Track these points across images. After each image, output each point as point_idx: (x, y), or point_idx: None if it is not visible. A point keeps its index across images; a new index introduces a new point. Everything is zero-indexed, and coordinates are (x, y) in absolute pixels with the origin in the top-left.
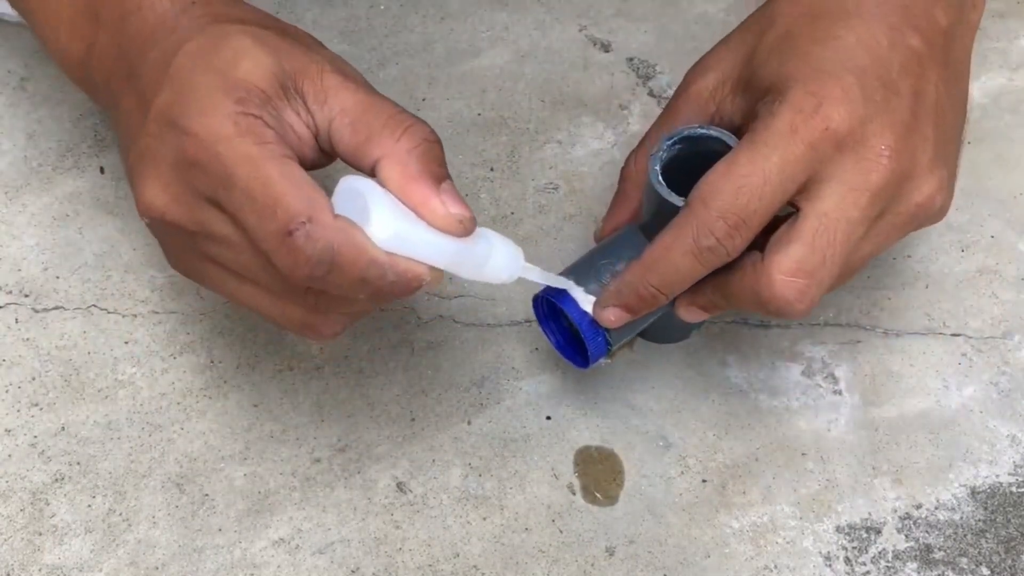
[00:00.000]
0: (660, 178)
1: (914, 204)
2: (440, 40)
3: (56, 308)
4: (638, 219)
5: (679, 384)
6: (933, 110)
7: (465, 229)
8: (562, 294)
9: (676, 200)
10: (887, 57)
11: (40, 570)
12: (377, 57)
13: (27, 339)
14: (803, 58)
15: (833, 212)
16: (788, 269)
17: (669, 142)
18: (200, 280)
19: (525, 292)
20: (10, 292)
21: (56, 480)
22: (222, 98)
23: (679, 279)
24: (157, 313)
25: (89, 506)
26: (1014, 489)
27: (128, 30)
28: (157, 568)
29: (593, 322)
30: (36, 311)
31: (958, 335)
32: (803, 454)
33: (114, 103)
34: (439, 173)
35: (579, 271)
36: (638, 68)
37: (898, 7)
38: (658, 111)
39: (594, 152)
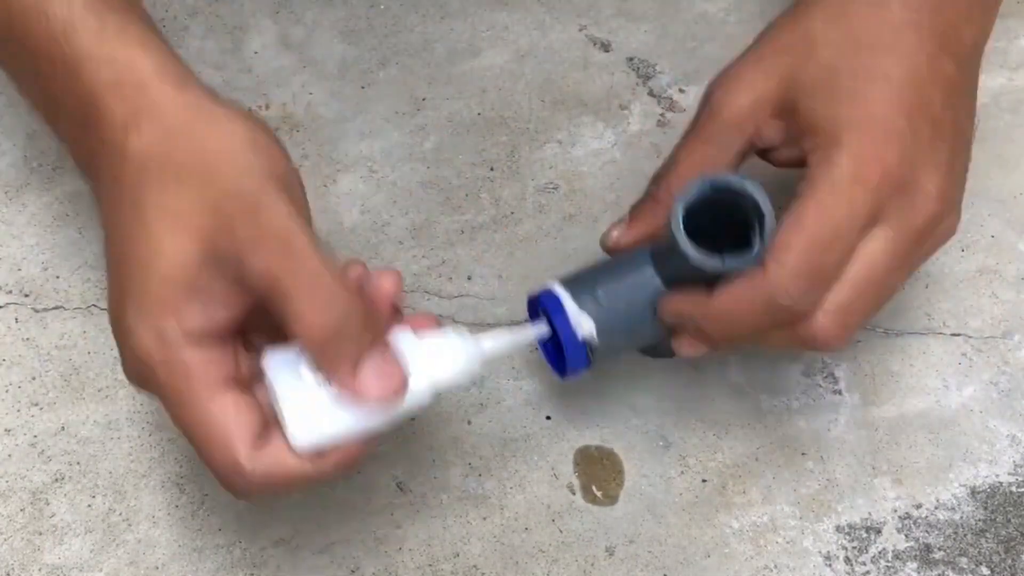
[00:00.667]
0: (683, 229)
1: (943, 237)
2: (440, 40)
3: (56, 308)
4: (655, 240)
5: (679, 384)
6: (965, 143)
7: (392, 403)
8: (555, 303)
9: (699, 259)
10: (931, 93)
11: (40, 570)
12: (377, 57)
13: (27, 339)
14: (854, 100)
15: (881, 255)
16: (832, 310)
17: (700, 188)
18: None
19: (525, 292)
20: (10, 292)
21: (56, 480)
22: (144, 329)
23: (743, 332)
24: None
25: (89, 506)
26: (1014, 489)
27: (87, 139)
28: (157, 568)
29: (576, 338)
30: (36, 311)
31: (958, 335)
32: (803, 454)
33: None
34: (353, 352)
35: (578, 285)
36: (638, 68)
37: (935, 33)
38: (658, 111)
39: (594, 152)
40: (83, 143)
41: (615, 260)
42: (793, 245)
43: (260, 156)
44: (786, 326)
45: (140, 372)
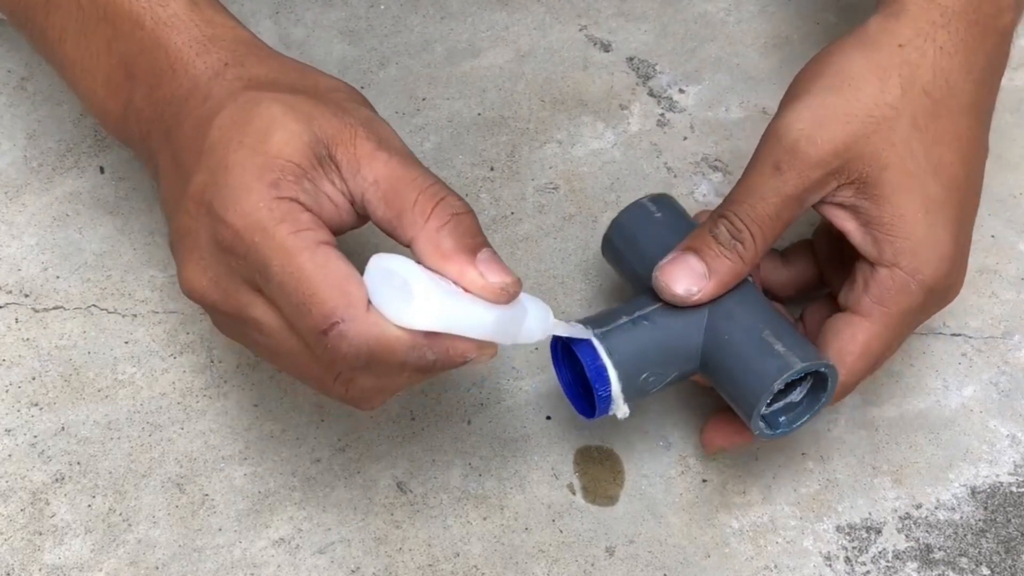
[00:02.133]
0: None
1: (948, 305)
2: (440, 40)
3: (56, 308)
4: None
5: (679, 384)
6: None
7: (508, 295)
8: (581, 341)
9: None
10: (977, 183)
11: (40, 570)
12: (377, 57)
13: (27, 339)
14: (912, 220)
15: (894, 336)
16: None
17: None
18: (246, 347)
19: (525, 292)
20: (10, 292)
21: (56, 480)
22: (256, 183)
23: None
24: (157, 313)
25: (89, 506)
26: (1014, 489)
27: (162, 92)
28: (157, 568)
29: (604, 375)
30: (36, 311)
31: (958, 335)
32: (803, 454)
33: (152, 159)
34: (473, 244)
35: (603, 322)
36: (638, 68)
37: (991, 88)
38: (658, 111)
39: (594, 152)
40: (155, 92)
41: (660, 321)
42: (857, 369)
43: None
44: None
45: (235, 249)
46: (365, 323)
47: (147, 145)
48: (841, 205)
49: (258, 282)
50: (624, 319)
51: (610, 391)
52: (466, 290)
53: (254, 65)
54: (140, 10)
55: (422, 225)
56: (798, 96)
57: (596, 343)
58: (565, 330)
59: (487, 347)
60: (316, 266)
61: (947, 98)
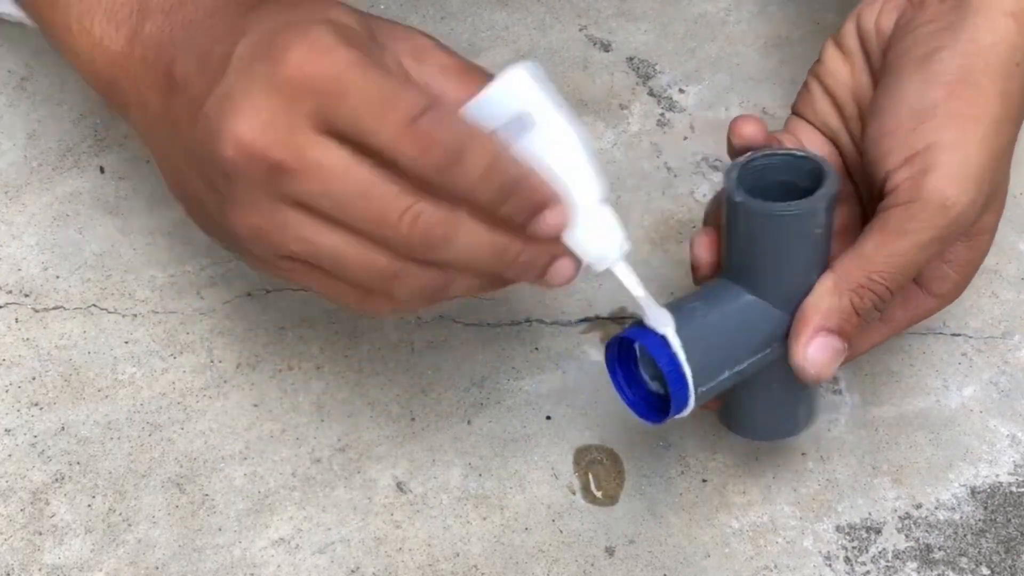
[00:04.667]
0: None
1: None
2: (440, 40)
3: (56, 308)
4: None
5: None
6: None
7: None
8: (650, 337)
9: (761, 206)
10: (1013, 135)
11: (40, 570)
12: None
13: (27, 339)
14: (947, 149)
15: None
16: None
17: (754, 157)
18: (268, 235)
19: (525, 292)
20: (10, 292)
21: (56, 480)
22: (319, 24)
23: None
24: (157, 313)
25: (89, 506)
26: (1014, 489)
27: (182, 15)
28: (157, 568)
29: (682, 371)
30: (36, 311)
31: (958, 335)
32: (803, 454)
33: (143, 100)
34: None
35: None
36: (638, 68)
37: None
38: (658, 111)
39: (594, 152)
40: (171, 17)
41: (700, 294)
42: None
43: None
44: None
45: (302, 79)
46: (454, 114)
47: (152, 69)
48: None
49: (328, 112)
50: (700, 310)
51: (686, 390)
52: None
53: None
54: None
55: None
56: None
57: (671, 336)
58: (634, 284)
59: (559, 216)
60: (394, 74)
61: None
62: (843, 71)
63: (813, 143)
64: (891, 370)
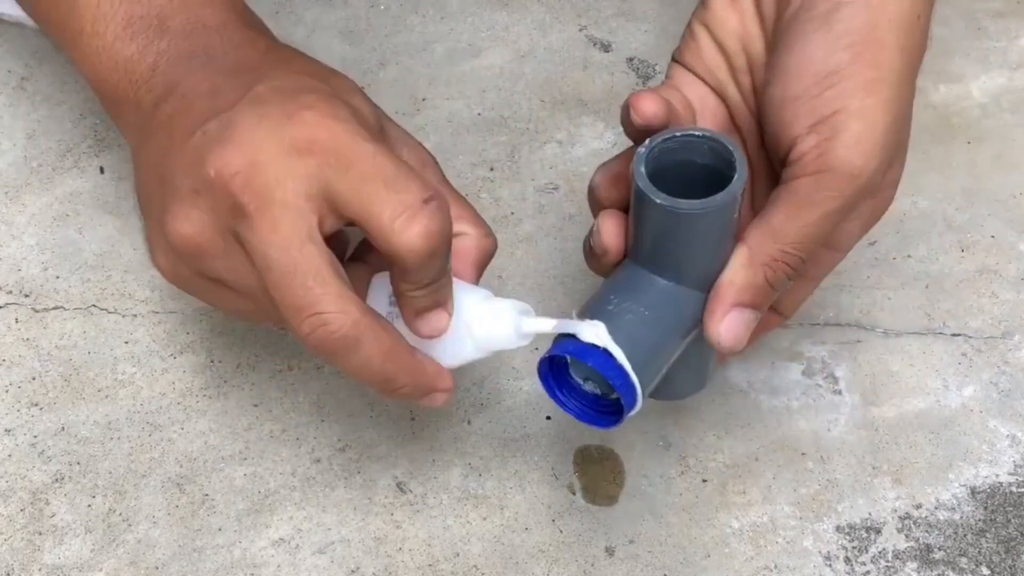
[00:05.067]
0: (646, 178)
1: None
2: (440, 40)
3: (56, 308)
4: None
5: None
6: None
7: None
8: (583, 349)
9: (671, 202)
10: (913, 90)
11: (40, 570)
12: (377, 57)
13: (27, 339)
14: (854, 117)
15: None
16: None
17: (663, 139)
18: (203, 254)
19: (525, 292)
20: (10, 292)
21: (56, 480)
22: (342, 102)
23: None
24: (157, 313)
25: (89, 506)
26: (1014, 489)
27: (192, 45)
28: (157, 568)
29: (621, 368)
30: (36, 311)
31: (958, 335)
32: (803, 454)
33: (139, 99)
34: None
35: (591, 315)
36: (638, 68)
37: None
38: None
39: (594, 152)
40: (183, 44)
41: (611, 284)
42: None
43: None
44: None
45: (230, 200)
46: (346, 297)
47: (160, 75)
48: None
49: (327, 177)
50: (623, 307)
51: (635, 393)
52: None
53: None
54: None
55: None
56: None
57: (611, 347)
58: (548, 325)
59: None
60: (301, 246)
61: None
62: (732, 19)
63: (697, 95)
64: (891, 370)
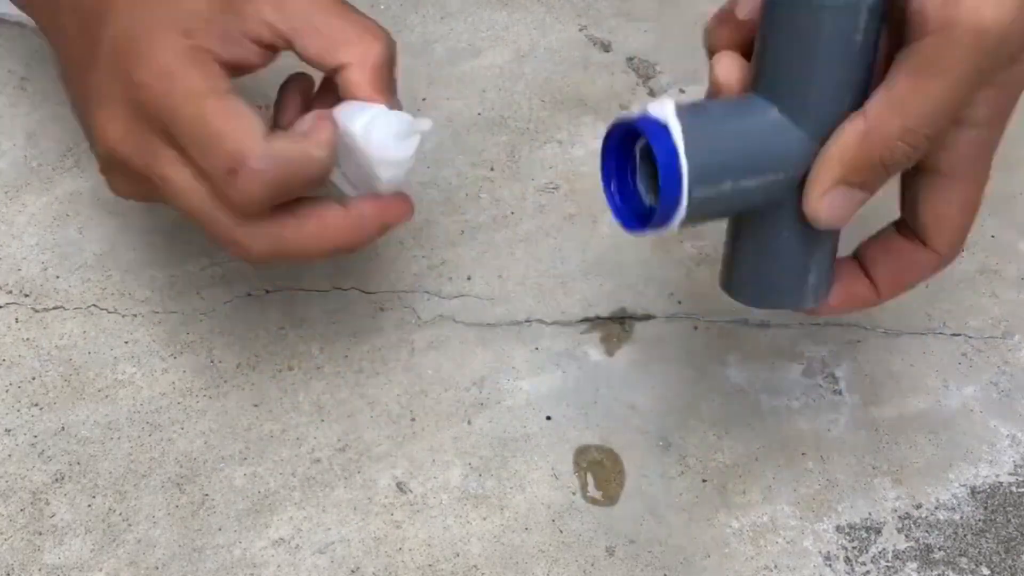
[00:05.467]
0: None
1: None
2: (440, 40)
3: (56, 308)
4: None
5: (679, 384)
6: None
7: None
8: (642, 118)
9: None
10: None
11: (40, 570)
12: None
13: (27, 339)
14: None
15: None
16: None
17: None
18: (143, 199)
19: (525, 292)
20: (10, 292)
21: (56, 480)
22: (168, 33)
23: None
24: (157, 313)
25: (89, 506)
26: (1014, 489)
27: None
28: (157, 568)
29: (673, 149)
30: (36, 311)
31: (958, 335)
32: (803, 454)
33: (57, 26)
34: (393, 85)
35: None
36: (638, 68)
37: None
38: None
39: (594, 152)
40: None
41: (729, 104)
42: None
43: None
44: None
45: (147, 101)
46: (272, 148)
47: (54, 10)
48: None
49: (169, 131)
50: (716, 110)
51: (679, 185)
52: None
53: None
54: None
55: (359, 55)
56: None
57: (670, 116)
58: (427, 125)
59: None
60: (223, 108)
61: None
62: None
63: None
64: (891, 370)
